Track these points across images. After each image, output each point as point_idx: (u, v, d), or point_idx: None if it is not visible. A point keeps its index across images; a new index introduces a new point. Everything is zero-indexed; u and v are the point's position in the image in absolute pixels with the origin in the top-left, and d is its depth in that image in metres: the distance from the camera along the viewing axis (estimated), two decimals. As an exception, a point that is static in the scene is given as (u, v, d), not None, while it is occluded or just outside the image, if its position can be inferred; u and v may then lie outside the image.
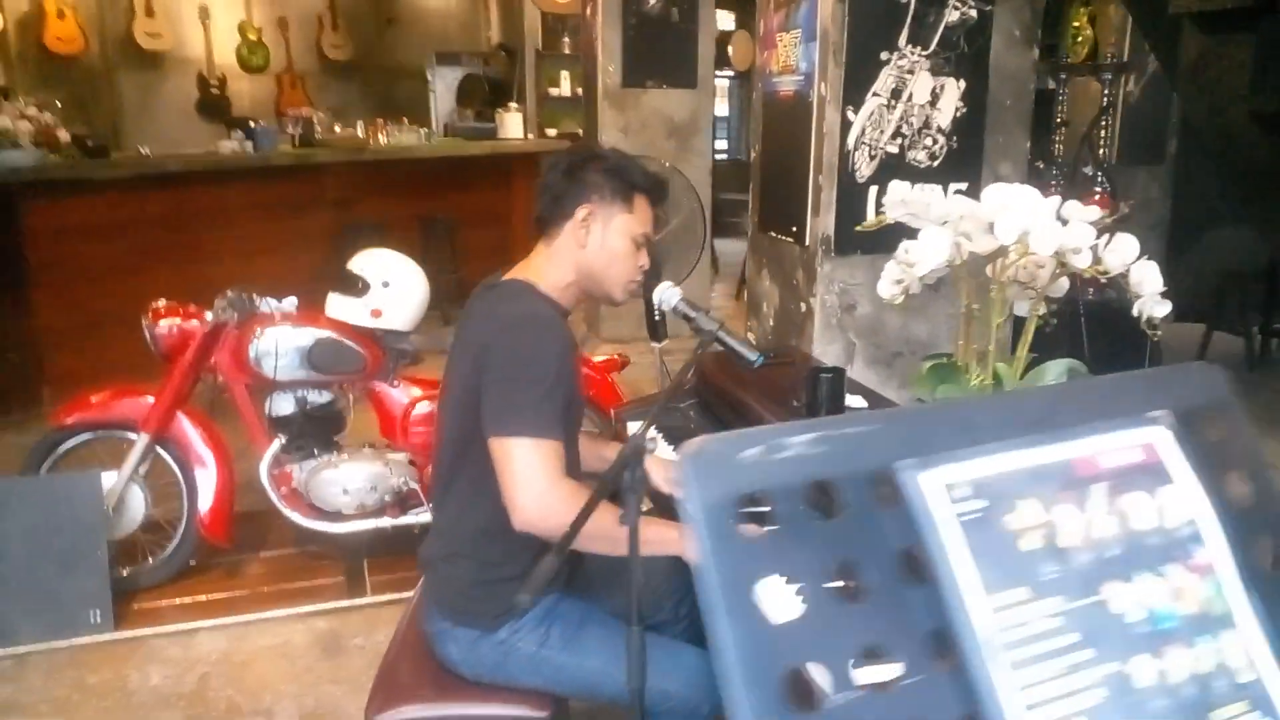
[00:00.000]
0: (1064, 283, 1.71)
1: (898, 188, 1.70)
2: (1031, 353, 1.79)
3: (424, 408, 3.23)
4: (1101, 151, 2.85)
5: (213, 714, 2.46)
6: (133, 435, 2.96)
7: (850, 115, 2.69)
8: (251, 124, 5.86)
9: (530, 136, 7.95)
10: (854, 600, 0.65)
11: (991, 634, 0.65)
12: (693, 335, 1.73)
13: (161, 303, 3.04)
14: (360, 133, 6.84)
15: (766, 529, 0.71)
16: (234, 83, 8.48)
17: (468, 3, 9.80)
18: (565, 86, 8.30)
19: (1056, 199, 1.55)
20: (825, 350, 2.84)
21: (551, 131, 8.01)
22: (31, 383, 4.73)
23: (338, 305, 3.09)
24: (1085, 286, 2.86)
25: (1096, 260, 1.61)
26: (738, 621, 0.62)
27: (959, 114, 2.75)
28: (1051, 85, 2.99)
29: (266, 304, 3.04)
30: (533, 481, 1.54)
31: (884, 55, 2.67)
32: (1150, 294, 1.63)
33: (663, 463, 2.01)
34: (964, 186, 2.81)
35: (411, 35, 9.61)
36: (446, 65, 8.71)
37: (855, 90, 2.68)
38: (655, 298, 1.84)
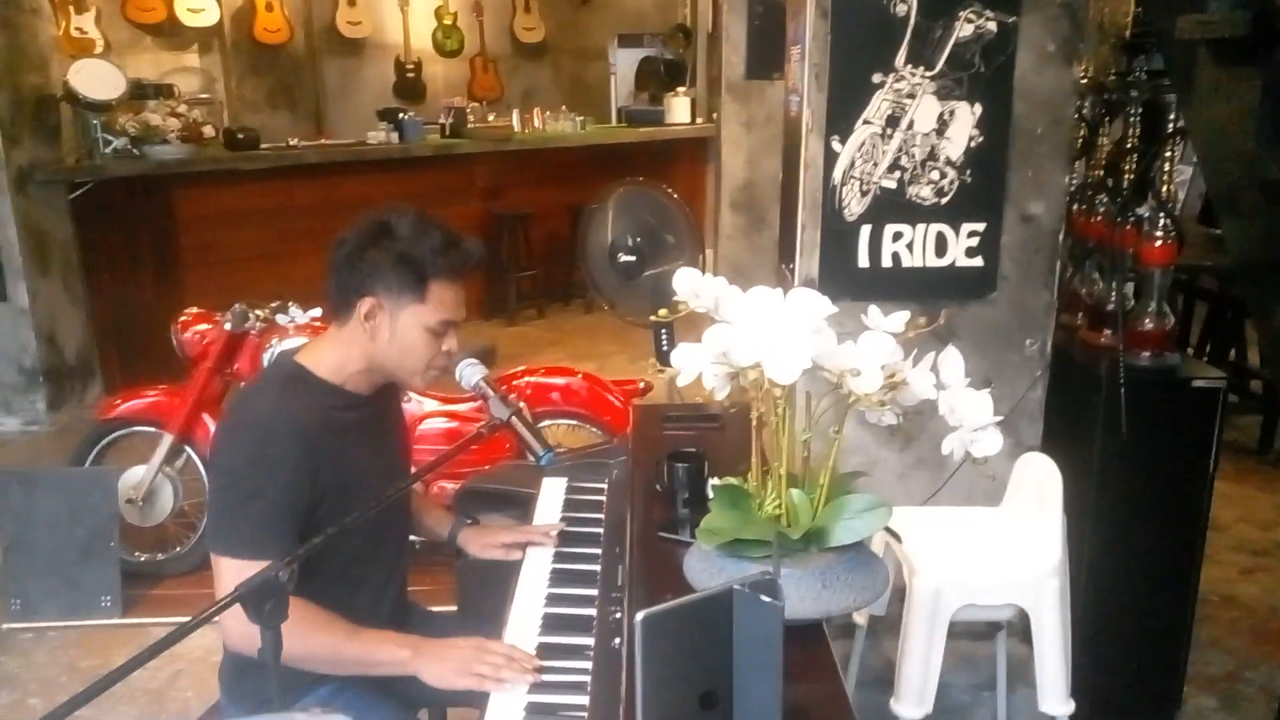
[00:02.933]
0: (911, 393, 1.39)
1: (686, 275, 1.45)
2: (859, 474, 1.49)
3: (436, 423, 3.24)
4: (1166, 189, 2.34)
5: (164, 713, 2.60)
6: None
7: (836, 145, 2.36)
8: (401, 115, 6.08)
9: (698, 121, 7.77)
10: None
11: None
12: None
13: (192, 311, 3.22)
14: (516, 121, 6.94)
15: None
16: (429, 66, 8.85)
17: (663, -19, 9.68)
18: (733, 70, 8.03)
19: (823, 304, 1.24)
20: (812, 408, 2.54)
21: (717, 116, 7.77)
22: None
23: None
24: (1132, 348, 2.38)
25: (895, 384, 1.30)
26: None
27: (974, 144, 2.34)
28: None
29: (287, 315, 3.14)
30: (234, 609, 1.45)
31: (876, 77, 2.31)
32: (970, 427, 1.30)
33: (486, 530, 1.89)
34: (980, 227, 2.40)
35: (606, 15, 9.62)
36: (627, 47, 8.64)
37: (842, 117, 2.34)
38: (457, 373, 1.71)
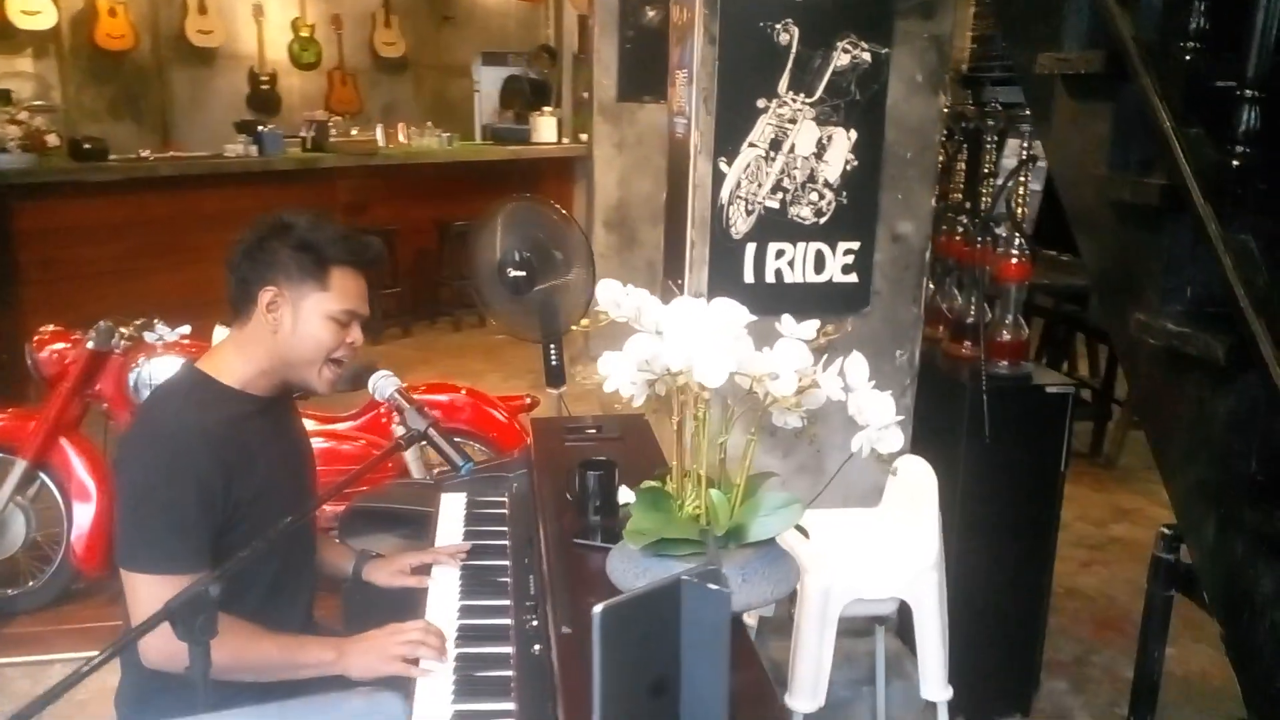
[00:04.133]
0: (817, 396, 1.48)
1: (608, 287, 1.51)
2: (770, 474, 1.57)
3: (314, 443, 3.16)
4: (1020, 210, 2.55)
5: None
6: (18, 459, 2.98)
7: (724, 167, 2.47)
8: (260, 127, 5.89)
9: (564, 141, 7.84)
10: None
11: None
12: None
13: (49, 329, 3.04)
14: (380, 136, 6.83)
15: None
16: (285, 79, 8.60)
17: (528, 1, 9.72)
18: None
19: (742, 313, 1.32)
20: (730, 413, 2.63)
21: (584, 136, 7.87)
22: (20, 382, 4.86)
23: (221, 337, 3.03)
24: (992, 358, 2.57)
25: (804, 387, 1.39)
26: None
27: (849, 167, 2.49)
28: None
29: (154, 333, 3.00)
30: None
31: (761, 102, 2.43)
32: (875, 426, 1.40)
33: (392, 559, 1.89)
34: (855, 246, 2.55)
35: (468, 33, 9.60)
36: (491, 65, 8.65)
37: (729, 140, 2.45)
38: (370, 385, 1.71)
